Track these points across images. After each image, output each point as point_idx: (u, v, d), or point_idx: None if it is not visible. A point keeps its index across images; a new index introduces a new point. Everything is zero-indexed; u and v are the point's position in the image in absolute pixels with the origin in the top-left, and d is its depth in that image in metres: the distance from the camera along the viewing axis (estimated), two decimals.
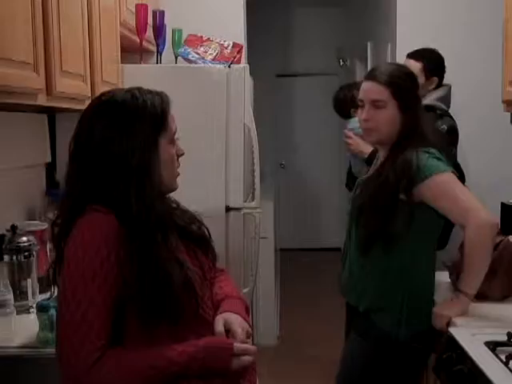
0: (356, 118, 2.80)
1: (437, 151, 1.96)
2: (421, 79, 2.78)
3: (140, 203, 1.35)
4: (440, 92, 2.90)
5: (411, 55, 2.91)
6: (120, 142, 1.37)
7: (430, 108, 2.81)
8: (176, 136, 1.49)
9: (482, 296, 2.00)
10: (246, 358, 1.40)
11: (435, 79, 2.87)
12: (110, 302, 1.31)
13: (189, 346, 1.34)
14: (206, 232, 1.58)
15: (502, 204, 2.68)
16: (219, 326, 1.43)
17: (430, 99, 2.84)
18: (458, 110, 2.94)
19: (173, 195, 1.54)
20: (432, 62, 2.87)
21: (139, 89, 1.46)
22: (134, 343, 1.33)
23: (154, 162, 1.40)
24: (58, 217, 1.43)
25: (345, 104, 3.03)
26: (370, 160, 2.70)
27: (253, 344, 1.46)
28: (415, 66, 2.82)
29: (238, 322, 1.46)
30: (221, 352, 1.37)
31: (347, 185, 3.09)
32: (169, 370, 1.31)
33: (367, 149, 2.73)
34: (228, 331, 1.44)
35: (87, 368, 1.26)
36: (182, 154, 1.51)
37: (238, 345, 1.39)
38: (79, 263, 1.30)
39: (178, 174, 1.51)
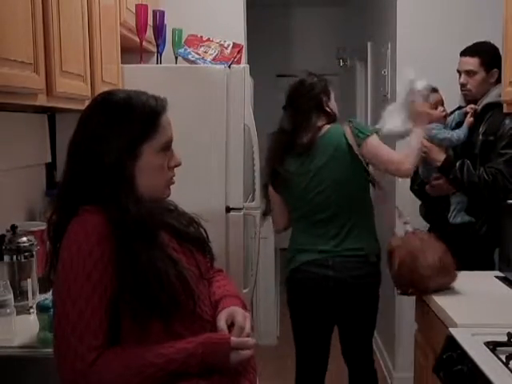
0: (430, 125, 2.79)
1: None
2: (481, 74, 2.75)
3: (116, 206, 1.35)
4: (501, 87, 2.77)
5: (466, 52, 2.83)
6: (100, 142, 1.37)
7: (495, 105, 2.66)
8: (170, 145, 1.46)
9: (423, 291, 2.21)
10: (245, 352, 1.40)
11: (495, 71, 2.73)
12: (106, 301, 1.31)
13: (187, 343, 1.34)
14: (204, 234, 1.58)
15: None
16: (221, 324, 1.44)
17: (491, 96, 2.73)
18: (452, 106, 2.95)
19: (173, 196, 1.54)
20: (488, 54, 2.76)
21: (139, 92, 1.45)
22: (130, 343, 1.34)
23: (131, 167, 1.39)
24: (52, 214, 1.44)
25: None
26: (443, 168, 2.72)
27: None
28: (473, 62, 2.76)
29: (241, 313, 1.47)
30: (219, 347, 1.37)
31: (412, 188, 3.06)
32: (167, 368, 1.31)
33: (441, 156, 2.72)
34: (230, 326, 1.44)
35: (85, 368, 1.26)
36: (178, 165, 1.49)
37: (235, 339, 1.39)
38: (73, 264, 1.31)
39: (172, 183, 1.50)
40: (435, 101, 2.83)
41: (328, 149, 2.47)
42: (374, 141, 2.44)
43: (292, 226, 2.69)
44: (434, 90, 2.87)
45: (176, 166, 1.49)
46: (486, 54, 2.76)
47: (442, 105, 2.86)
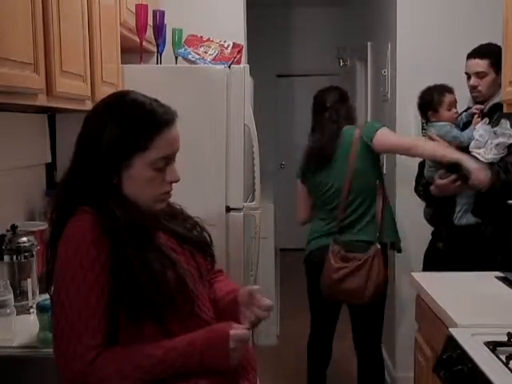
0: (442, 123, 2.77)
1: None
2: (491, 75, 2.68)
3: (105, 210, 1.35)
4: None
5: (474, 54, 2.77)
6: (96, 144, 1.37)
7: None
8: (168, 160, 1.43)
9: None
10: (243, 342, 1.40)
11: None
12: (103, 301, 1.31)
13: (185, 336, 1.35)
14: (208, 238, 1.58)
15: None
16: (248, 286, 1.50)
17: (499, 97, 2.59)
18: (458, 109, 2.93)
19: (173, 197, 1.54)
20: (496, 55, 2.62)
21: (147, 99, 1.43)
22: (128, 343, 1.34)
23: (121, 173, 1.39)
24: (52, 213, 1.44)
25: (427, 106, 2.89)
26: (452, 167, 2.68)
27: (253, 344, 1.46)
28: (483, 64, 2.71)
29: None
30: (218, 338, 1.37)
31: (416, 190, 3.03)
32: (166, 360, 1.31)
33: (451, 153, 2.69)
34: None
35: (84, 367, 1.27)
36: (175, 181, 1.45)
37: (234, 331, 1.38)
38: (70, 264, 1.31)
39: (167, 197, 1.47)
40: (449, 101, 2.82)
41: (343, 149, 2.90)
42: (382, 132, 2.84)
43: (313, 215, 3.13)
44: (450, 91, 2.85)
45: (173, 181, 1.45)
46: (494, 56, 2.67)
47: (455, 106, 2.85)
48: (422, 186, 2.95)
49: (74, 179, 1.41)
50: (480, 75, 2.73)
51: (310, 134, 3.09)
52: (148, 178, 1.40)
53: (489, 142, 2.61)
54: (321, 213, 3.04)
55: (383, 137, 2.84)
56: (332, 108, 2.99)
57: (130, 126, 1.38)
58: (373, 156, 2.88)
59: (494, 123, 2.67)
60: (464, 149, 2.72)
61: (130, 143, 1.37)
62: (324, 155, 2.93)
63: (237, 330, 1.38)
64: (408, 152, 2.88)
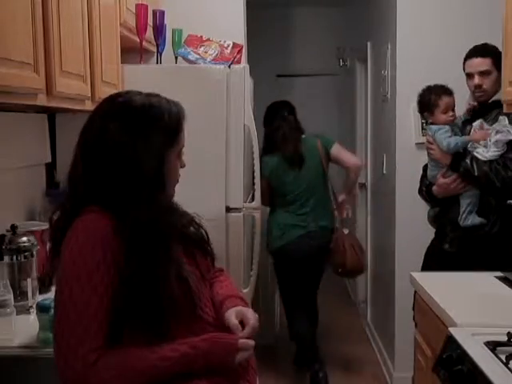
0: (436, 126, 2.79)
1: None
2: (495, 73, 2.65)
3: (149, 212, 1.36)
4: None
5: (475, 54, 2.74)
6: (134, 149, 1.37)
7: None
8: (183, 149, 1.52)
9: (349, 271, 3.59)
10: (247, 353, 1.44)
11: None
12: (107, 302, 1.30)
13: (190, 348, 1.35)
14: (205, 234, 1.58)
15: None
16: (233, 319, 1.46)
17: (499, 94, 2.58)
18: (458, 109, 2.92)
19: (175, 197, 1.54)
20: (496, 54, 2.61)
21: (158, 96, 1.47)
22: (132, 344, 1.33)
23: (165, 173, 1.42)
24: (57, 215, 1.43)
25: (424, 106, 2.88)
26: (453, 164, 2.69)
27: None
28: (487, 62, 2.69)
29: (251, 312, 1.53)
30: (224, 350, 1.39)
31: (420, 191, 3.00)
32: (171, 371, 1.31)
33: (446, 158, 2.71)
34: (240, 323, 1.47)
35: (86, 369, 1.26)
36: (184, 166, 1.53)
37: (242, 340, 1.42)
38: (75, 265, 1.30)
39: (177, 181, 1.54)
40: (446, 105, 2.78)
41: (310, 154, 3.53)
42: (337, 147, 3.59)
43: (279, 208, 3.62)
44: (448, 93, 2.82)
45: (183, 167, 1.53)
46: (495, 54, 2.66)
47: (453, 109, 2.82)
48: (426, 187, 2.93)
49: (98, 181, 1.39)
50: (484, 74, 2.70)
51: (266, 139, 3.60)
52: (176, 166, 1.49)
53: (487, 139, 2.61)
54: (290, 207, 3.54)
55: (338, 148, 3.59)
56: (288, 118, 3.59)
57: (163, 128, 1.42)
58: (329, 161, 3.57)
59: (492, 120, 2.66)
60: (457, 153, 2.72)
61: (167, 142, 1.44)
62: (298, 158, 3.49)
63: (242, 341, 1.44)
64: (353, 165, 3.56)
